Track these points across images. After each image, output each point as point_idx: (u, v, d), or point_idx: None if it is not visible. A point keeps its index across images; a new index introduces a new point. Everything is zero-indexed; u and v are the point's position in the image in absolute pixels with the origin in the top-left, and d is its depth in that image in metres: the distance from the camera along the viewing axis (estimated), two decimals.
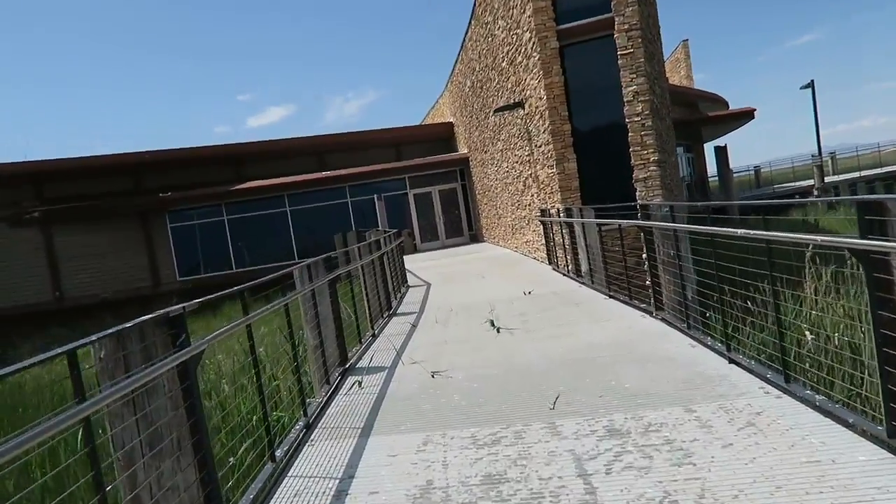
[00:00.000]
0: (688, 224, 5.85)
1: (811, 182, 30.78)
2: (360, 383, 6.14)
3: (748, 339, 5.59)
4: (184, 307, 3.26)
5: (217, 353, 11.02)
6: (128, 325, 3.05)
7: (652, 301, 6.69)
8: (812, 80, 30.71)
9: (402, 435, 4.52)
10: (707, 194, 32.02)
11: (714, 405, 4.05)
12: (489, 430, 4.30)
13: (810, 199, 26.91)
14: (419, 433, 4.49)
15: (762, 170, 39.66)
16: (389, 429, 4.70)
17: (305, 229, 25.53)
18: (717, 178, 36.35)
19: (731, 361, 4.80)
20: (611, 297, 8.35)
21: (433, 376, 5.96)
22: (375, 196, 24.59)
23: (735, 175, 35.71)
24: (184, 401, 3.27)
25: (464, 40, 21.46)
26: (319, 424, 5.08)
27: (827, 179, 30.44)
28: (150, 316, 3.12)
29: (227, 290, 3.92)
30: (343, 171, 25.47)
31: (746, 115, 30.67)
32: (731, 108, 33.58)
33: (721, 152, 32.45)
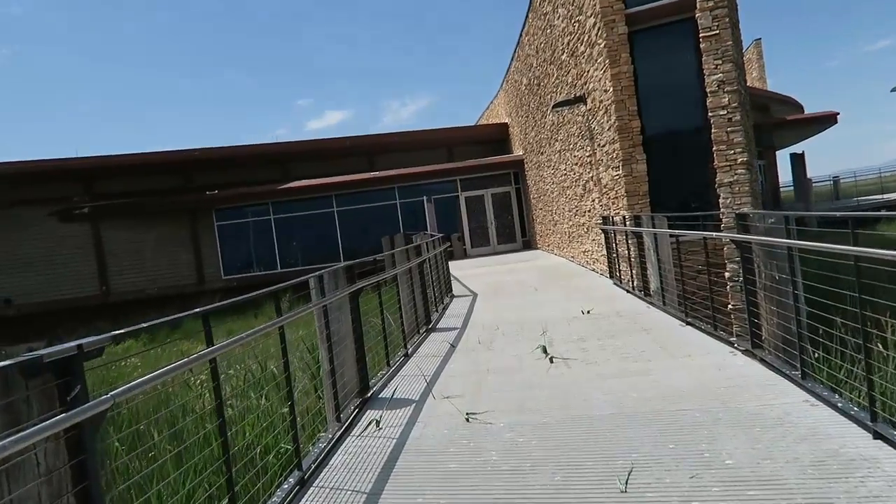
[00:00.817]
0: (796, 239, 4.48)
1: None
2: (377, 422, 5.02)
3: (883, 395, 4.20)
4: (80, 345, 2.18)
5: (246, 358, 10.13)
6: None
7: (748, 335, 5.31)
8: None
9: None
10: (780, 206, 29.71)
11: None
12: None
13: None
14: None
15: (841, 180, 36.73)
16: (404, 499, 3.55)
17: (353, 230, 24.76)
18: (790, 188, 33.83)
19: (878, 436, 3.43)
20: (687, 323, 6.97)
21: (468, 419, 4.78)
22: (425, 198, 23.56)
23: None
24: (72, 484, 2.19)
25: (520, 36, 20.22)
26: (317, 482, 3.98)
27: None
28: (17, 360, 2.05)
29: (173, 316, 2.85)
30: (392, 172, 24.56)
31: (828, 120, 28.24)
32: (805, 112, 31.08)
33: (798, 160, 30.08)
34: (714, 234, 6.06)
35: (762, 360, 5.05)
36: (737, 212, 5.13)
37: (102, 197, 24.14)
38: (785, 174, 34.28)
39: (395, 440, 4.58)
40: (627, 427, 4.15)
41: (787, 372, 4.56)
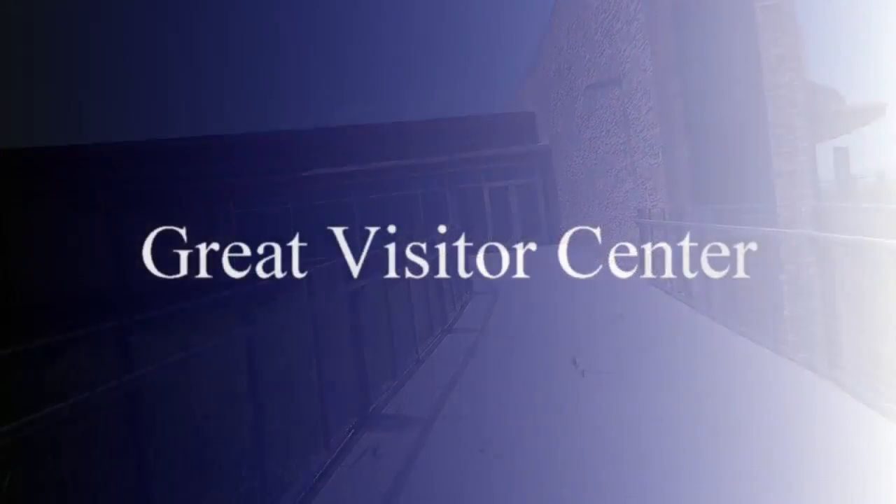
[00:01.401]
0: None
1: None
2: (375, 451, 4.20)
3: None
4: None
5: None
6: None
7: (826, 353, 4.37)
8: None
9: None
10: (822, 201, 28.20)
11: None
12: None
13: None
14: None
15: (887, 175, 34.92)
16: None
17: (372, 222, 23.99)
18: (833, 184, 32.25)
19: None
20: (741, 333, 6.02)
21: (482, 451, 3.94)
22: (447, 189, 22.71)
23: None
24: None
25: (549, 20, 19.19)
26: None
27: None
28: None
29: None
30: (413, 161, 23.70)
31: (875, 111, 26.66)
32: (846, 103, 29.41)
33: (841, 154, 28.57)
34: (787, 230, 5.12)
35: (845, 386, 4.12)
36: (809, 206, 4.18)
37: (118, 185, 23.71)
38: (823, 169, 32.70)
39: (392, 477, 3.78)
40: (688, 475, 3.26)
41: (883, 405, 3.63)
